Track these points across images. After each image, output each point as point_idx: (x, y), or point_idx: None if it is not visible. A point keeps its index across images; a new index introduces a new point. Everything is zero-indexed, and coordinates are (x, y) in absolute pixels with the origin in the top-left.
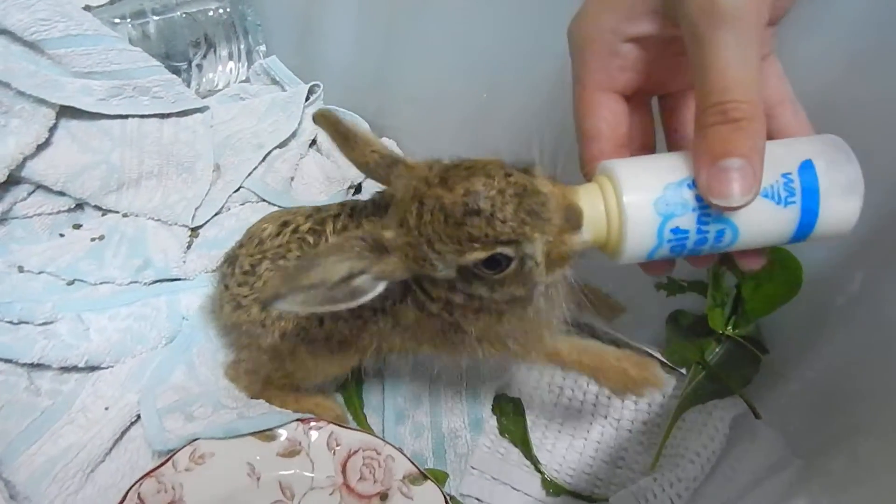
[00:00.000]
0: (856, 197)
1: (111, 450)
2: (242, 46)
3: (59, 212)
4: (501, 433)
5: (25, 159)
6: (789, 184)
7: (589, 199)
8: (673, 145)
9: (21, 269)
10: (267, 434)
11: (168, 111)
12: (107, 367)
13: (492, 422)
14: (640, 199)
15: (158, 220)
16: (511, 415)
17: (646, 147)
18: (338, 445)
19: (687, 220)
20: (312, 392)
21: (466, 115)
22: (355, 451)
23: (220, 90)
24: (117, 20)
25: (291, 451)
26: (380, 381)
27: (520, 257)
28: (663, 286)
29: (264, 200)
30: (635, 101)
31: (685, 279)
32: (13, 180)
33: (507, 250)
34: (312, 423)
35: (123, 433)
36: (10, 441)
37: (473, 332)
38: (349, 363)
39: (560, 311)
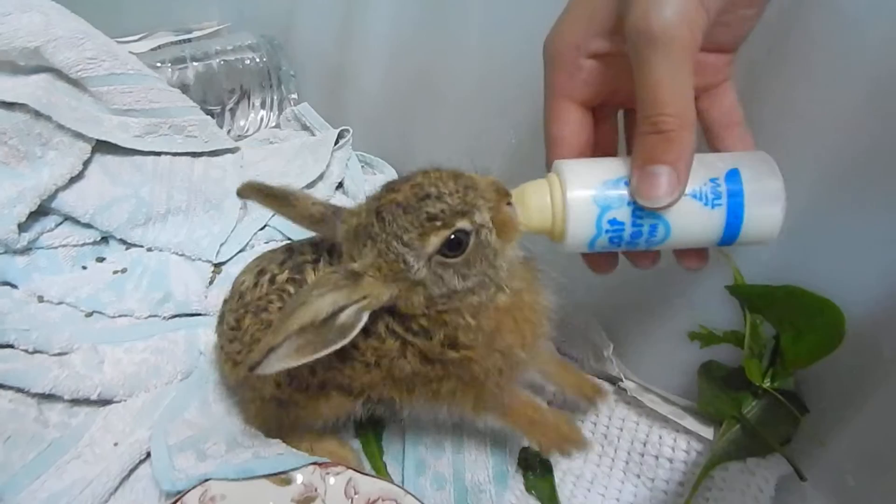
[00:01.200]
0: (778, 206)
1: (117, 488)
2: (275, 96)
3: (83, 244)
4: (528, 489)
5: (57, 190)
6: (716, 188)
7: (538, 192)
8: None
9: (41, 299)
10: (282, 478)
11: (200, 150)
12: (119, 401)
13: (517, 477)
14: (580, 190)
15: (182, 254)
16: (538, 470)
17: (607, 155)
18: (356, 493)
19: (623, 214)
20: (327, 437)
21: (497, 161)
22: (374, 501)
23: (250, 135)
24: (158, 64)
25: (307, 498)
26: (400, 428)
27: (476, 230)
28: (697, 336)
29: (289, 239)
30: (601, 112)
31: (720, 329)
32: (42, 211)
33: (464, 223)
34: (330, 469)
35: (132, 471)
36: (14, 474)
37: (451, 367)
38: (351, 406)
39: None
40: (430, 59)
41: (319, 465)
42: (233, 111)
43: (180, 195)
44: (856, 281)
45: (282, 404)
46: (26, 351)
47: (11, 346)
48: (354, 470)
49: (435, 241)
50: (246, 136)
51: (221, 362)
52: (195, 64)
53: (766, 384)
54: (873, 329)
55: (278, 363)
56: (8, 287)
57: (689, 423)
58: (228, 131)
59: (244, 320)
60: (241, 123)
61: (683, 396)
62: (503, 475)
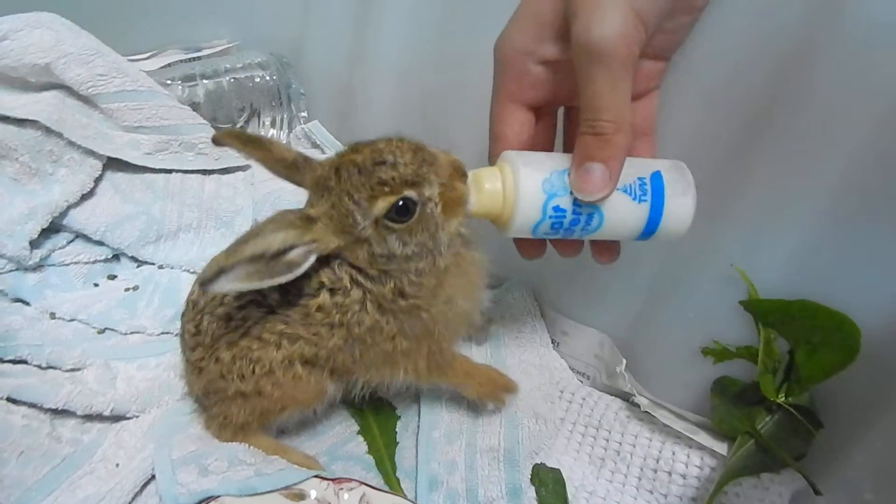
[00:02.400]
0: (690, 205)
1: None
2: (285, 115)
3: (95, 261)
4: None
5: (69, 207)
6: (643, 185)
7: (490, 178)
8: (569, 148)
9: (53, 316)
10: (296, 493)
11: (211, 168)
12: (132, 417)
13: (530, 492)
14: (531, 177)
15: (194, 272)
16: (551, 486)
17: (545, 150)
18: None
19: (566, 202)
20: (292, 451)
21: None
22: None
23: None
24: (168, 82)
25: None
26: (413, 444)
27: (422, 201)
28: (710, 351)
29: None
30: (543, 111)
31: (733, 344)
32: (54, 228)
33: (412, 193)
34: (344, 484)
35: (144, 486)
36: (27, 489)
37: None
38: (322, 386)
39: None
40: (441, 76)
41: (333, 480)
42: (242, 129)
43: (191, 213)
44: (871, 296)
45: (247, 398)
46: (39, 366)
47: (24, 362)
48: (368, 486)
49: (382, 205)
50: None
51: (188, 375)
52: (205, 82)
53: (781, 399)
54: (889, 343)
55: (228, 284)
56: (20, 304)
57: (703, 438)
58: None
59: (202, 323)
60: None
61: (696, 412)
62: (516, 491)
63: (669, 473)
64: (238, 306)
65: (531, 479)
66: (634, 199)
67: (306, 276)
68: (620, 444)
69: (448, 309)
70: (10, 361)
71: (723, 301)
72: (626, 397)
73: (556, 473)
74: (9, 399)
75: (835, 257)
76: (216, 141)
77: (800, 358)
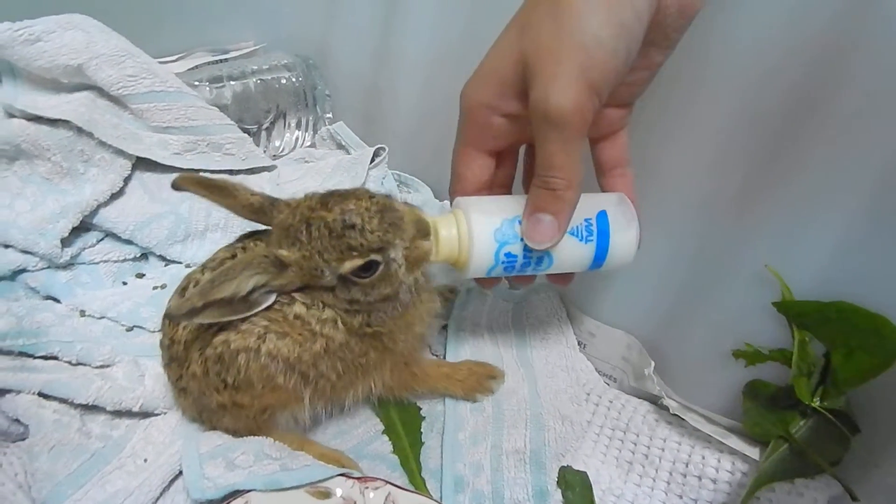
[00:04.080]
0: (633, 239)
1: (158, 499)
2: (311, 116)
3: (124, 260)
4: None
5: (99, 206)
6: (589, 226)
7: (446, 226)
8: (528, 180)
9: (83, 314)
10: (322, 491)
11: (238, 168)
12: (160, 414)
13: (557, 495)
14: (482, 229)
15: None
16: (578, 489)
17: (504, 187)
18: None
19: (517, 248)
20: (308, 442)
21: None
22: None
23: (285, 155)
24: (196, 83)
25: None
26: (438, 444)
27: (386, 262)
28: (741, 354)
29: None
30: (505, 153)
31: (766, 347)
32: (84, 227)
33: (377, 256)
34: (369, 483)
35: (172, 482)
36: (58, 483)
37: (386, 337)
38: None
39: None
40: (466, 77)
41: (359, 479)
42: (268, 131)
43: (218, 212)
44: None
45: (232, 409)
46: (70, 363)
47: (55, 358)
48: (393, 485)
49: (349, 265)
50: (281, 156)
51: (177, 400)
52: (232, 83)
53: (816, 403)
54: None
55: (196, 319)
56: (51, 301)
57: (734, 442)
58: (264, 151)
59: (177, 332)
60: (277, 144)
61: (727, 416)
62: (543, 494)
63: (699, 478)
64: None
65: (558, 482)
66: (581, 240)
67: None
68: (649, 447)
69: (406, 334)
70: (41, 357)
71: (755, 302)
72: (654, 400)
73: (583, 476)
74: (40, 394)
75: (872, 258)
76: (176, 185)
77: (836, 361)
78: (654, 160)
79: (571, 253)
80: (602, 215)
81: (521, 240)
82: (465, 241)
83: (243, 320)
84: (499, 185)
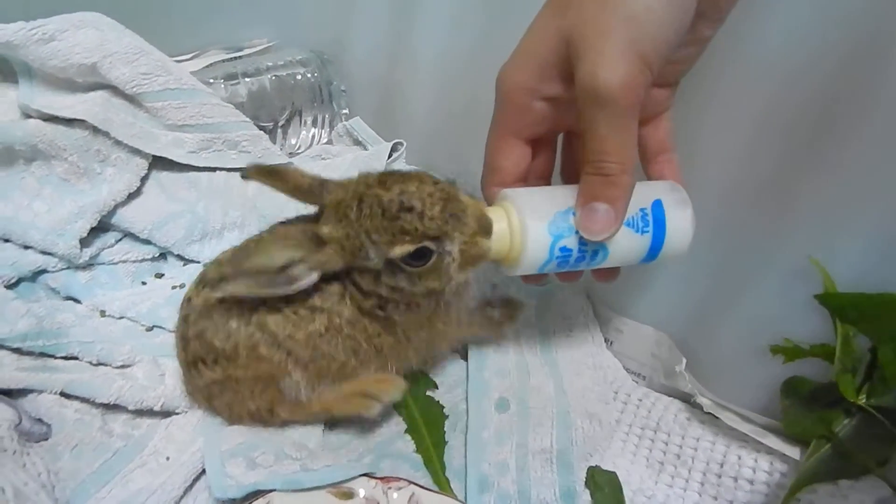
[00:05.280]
0: (689, 228)
1: (181, 498)
2: (326, 113)
3: (143, 260)
4: None
5: (116, 206)
6: (645, 216)
7: (495, 219)
8: (567, 170)
9: (103, 314)
10: (344, 492)
11: None
12: (181, 412)
13: (585, 496)
14: (538, 222)
15: None
16: (607, 490)
17: (542, 179)
18: None
19: (572, 241)
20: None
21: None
22: None
23: (301, 153)
24: (211, 80)
25: None
26: (461, 444)
27: (440, 252)
28: (780, 349)
29: None
30: (542, 140)
31: (806, 342)
32: (102, 227)
33: (431, 245)
34: (392, 483)
35: (195, 481)
36: (82, 481)
37: (400, 327)
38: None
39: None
40: (485, 70)
41: (381, 479)
42: (284, 128)
43: (235, 211)
44: None
45: (224, 385)
46: (90, 363)
47: (76, 358)
48: (417, 485)
49: (399, 250)
50: (298, 154)
51: (187, 392)
52: (247, 80)
53: (861, 401)
54: None
55: (228, 290)
56: (71, 302)
57: (772, 441)
58: (280, 149)
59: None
60: (293, 141)
61: (764, 414)
62: (571, 494)
63: (735, 479)
64: None
65: (586, 483)
66: (637, 231)
67: None
68: (681, 447)
69: (425, 328)
70: (62, 358)
71: (794, 295)
72: (685, 398)
73: (613, 477)
74: (62, 394)
75: None
76: (247, 176)
77: (883, 356)
78: (686, 145)
79: (627, 245)
80: (657, 204)
81: (576, 232)
82: (518, 236)
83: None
84: (537, 177)
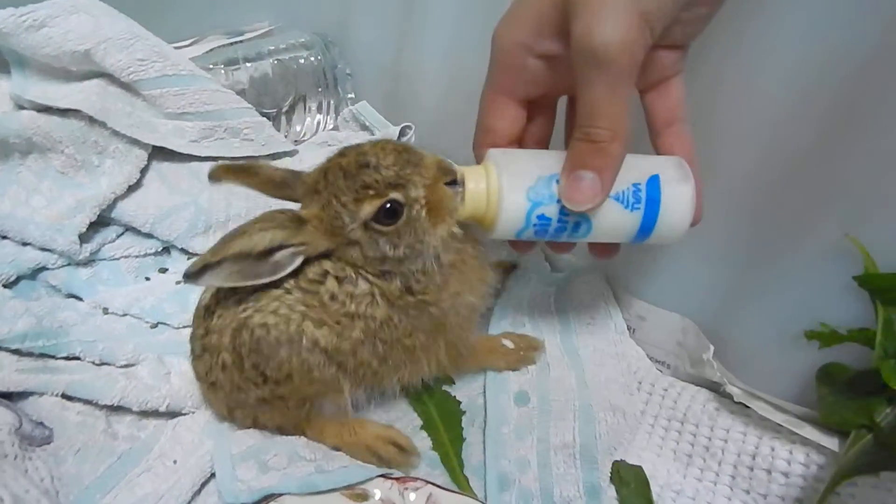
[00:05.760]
0: (688, 212)
1: (190, 503)
2: (332, 98)
3: (145, 254)
4: None
5: (116, 200)
6: (637, 192)
7: (474, 178)
8: (569, 139)
9: (106, 311)
10: (359, 493)
11: (258, 154)
12: (188, 413)
13: (610, 492)
14: (515, 185)
15: None
16: (633, 485)
17: (539, 144)
18: None
19: (551, 210)
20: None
21: None
22: None
23: (307, 140)
24: (211, 66)
25: None
26: (480, 440)
27: (409, 204)
28: (815, 335)
29: None
30: (540, 103)
31: (844, 327)
32: (103, 221)
33: (397, 195)
34: (409, 483)
35: (204, 485)
36: (86, 487)
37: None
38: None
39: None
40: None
41: (397, 479)
42: (288, 115)
43: (239, 202)
44: None
45: (270, 403)
46: (93, 362)
47: (78, 358)
48: (434, 485)
49: (368, 208)
50: (303, 141)
51: (206, 395)
52: (248, 65)
53: None
54: None
55: (211, 279)
56: (73, 299)
57: (808, 432)
58: (285, 136)
59: (212, 321)
60: (298, 128)
61: (799, 403)
62: (595, 490)
63: (769, 471)
64: (252, 289)
65: (611, 478)
66: (626, 206)
67: (307, 264)
68: (710, 438)
69: (456, 304)
70: (63, 358)
71: (830, 277)
72: (713, 388)
73: (639, 471)
74: (64, 396)
75: None
76: (213, 177)
77: None
78: (712, 114)
79: (613, 220)
80: (654, 181)
81: (558, 201)
82: (494, 198)
83: (278, 303)
84: (534, 142)
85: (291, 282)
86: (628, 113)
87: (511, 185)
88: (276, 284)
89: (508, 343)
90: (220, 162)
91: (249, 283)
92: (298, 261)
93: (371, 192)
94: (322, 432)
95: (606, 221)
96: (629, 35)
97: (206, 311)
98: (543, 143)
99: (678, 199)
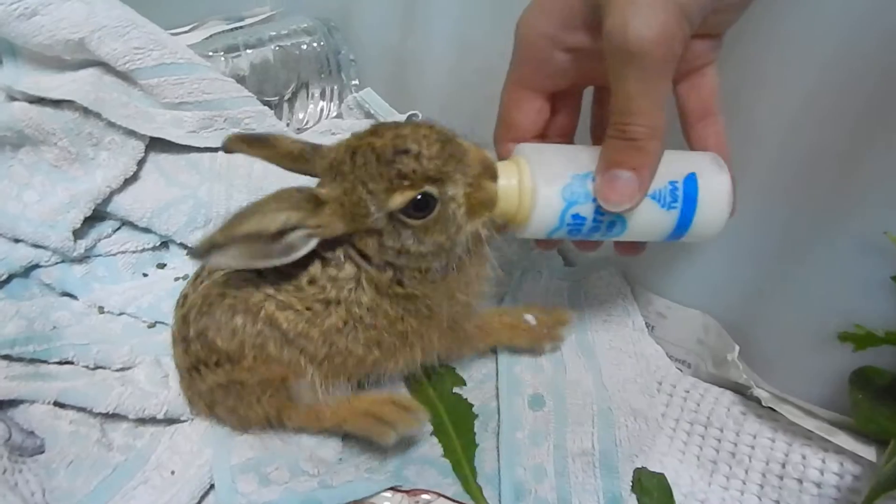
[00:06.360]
0: (725, 210)
1: None
2: (335, 85)
3: (143, 250)
4: None
5: (112, 193)
6: (675, 191)
7: (505, 174)
8: (598, 130)
9: (102, 310)
10: None
11: None
12: (186, 420)
13: (631, 501)
14: (550, 183)
15: None
16: (655, 494)
17: (563, 138)
18: None
19: (587, 209)
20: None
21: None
22: None
23: (310, 128)
24: (210, 53)
25: None
26: (493, 446)
27: (443, 200)
28: (850, 336)
29: None
30: (565, 94)
31: (881, 328)
32: (98, 216)
33: (433, 189)
34: (420, 497)
35: (203, 497)
36: (78, 501)
37: (422, 302)
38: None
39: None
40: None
41: (407, 492)
42: (290, 102)
43: (240, 194)
44: None
45: (228, 389)
46: (87, 367)
47: (71, 363)
48: (446, 497)
49: (399, 199)
50: (306, 130)
51: (184, 394)
52: (249, 52)
53: None
54: None
55: (221, 260)
56: (67, 298)
57: (842, 440)
58: (287, 125)
59: (189, 315)
60: (300, 116)
61: (831, 409)
62: (616, 500)
63: (800, 481)
64: (224, 280)
65: (632, 487)
66: (663, 206)
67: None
68: (736, 444)
69: (448, 299)
70: (56, 363)
71: (865, 275)
72: (737, 390)
73: (661, 479)
74: (56, 404)
75: None
76: (226, 149)
77: None
78: (741, 105)
79: (650, 220)
80: (691, 179)
81: (594, 200)
82: (528, 196)
83: (246, 283)
84: (557, 135)
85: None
86: (664, 108)
87: (545, 184)
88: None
89: (531, 318)
90: (235, 131)
91: (259, 264)
92: (313, 243)
93: (406, 183)
94: (318, 416)
95: (642, 221)
96: (667, 29)
97: (182, 300)
98: (568, 137)
99: (716, 198)
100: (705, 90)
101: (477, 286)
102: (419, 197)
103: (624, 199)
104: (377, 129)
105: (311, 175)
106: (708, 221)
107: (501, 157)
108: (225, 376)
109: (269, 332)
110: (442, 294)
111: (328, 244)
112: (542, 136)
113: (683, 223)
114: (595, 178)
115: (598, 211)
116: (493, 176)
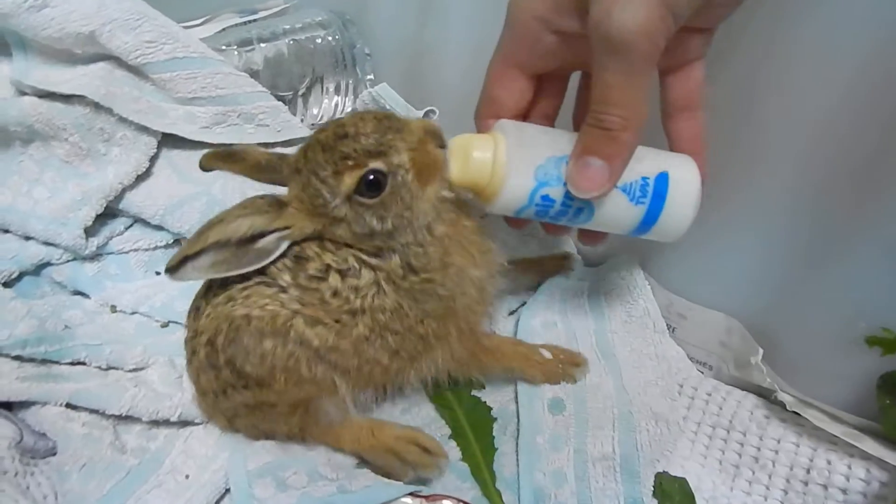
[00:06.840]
0: (690, 214)
1: None
2: (350, 79)
3: (155, 247)
4: None
5: (124, 190)
6: (645, 187)
7: (480, 147)
8: (580, 116)
9: (114, 309)
10: None
11: (273, 140)
12: (201, 423)
13: None
14: (524, 161)
15: None
16: (677, 498)
17: (545, 120)
18: None
19: (556, 192)
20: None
21: None
22: None
23: (323, 123)
24: (223, 47)
25: None
26: (513, 450)
27: (392, 172)
28: (877, 340)
29: None
30: (552, 77)
31: None
32: (110, 213)
33: (378, 164)
34: (438, 501)
35: (218, 502)
36: None
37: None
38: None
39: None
40: None
41: (426, 497)
42: (305, 97)
43: (253, 191)
44: None
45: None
46: (100, 367)
47: (83, 364)
48: (465, 503)
49: (348, 180)
50: (320, 125)
51: (200, 405)
52: (262, 45)
53: None
54: None
55: (193, 273)
56: (79, 297)
57: (869, 446)
58: (301, 120)
59: (201, 323)
60: (315, 111)
61: (858, 414)
62: None
63: (825, 487)
64: (242, 287)
65: (654, 492)
66: (632, 199)
67: (307, 258)
68: (759, 448)
69: (462, 280)
70: (68, 364)
71: (893, 279)
72: (760, 393)
73: (683, 483)
74: (68, 405)
75: None
76: (205, 166)
77: None
78: (764, 98)
79: (617, 211)
80: (663, 178)
81: (565, 185)
82: (500, 171)
83: (268, 300)
84: (540, 117)
85: (288, 278)
86: (645, 101)
87: (520, 161)
88: (270, 282)
89: (546, 353)
90: (213, 150)
91: (236, 272)
92: (284, 245)
93: (350, 163)
94: (339, 439)
95: (609, 211)
96: (650, 22)
97: (195, 312)
98: (551, 119)
99: (684, 200)
100: (691, 82)
101: (483, 260)
102: (371, 178)
103: (593, 186)
104: (323, 126)
105: (280, 184)
106: (673, 222)
107: (480, 132)
108: (253, 398)
109: (301, 352)
110: (454, 274)
111: (314, 254)
112: (524, 118)
113: (649, 220)
114: (568, 163)
115: (568, 196)
116: (438, 140)
